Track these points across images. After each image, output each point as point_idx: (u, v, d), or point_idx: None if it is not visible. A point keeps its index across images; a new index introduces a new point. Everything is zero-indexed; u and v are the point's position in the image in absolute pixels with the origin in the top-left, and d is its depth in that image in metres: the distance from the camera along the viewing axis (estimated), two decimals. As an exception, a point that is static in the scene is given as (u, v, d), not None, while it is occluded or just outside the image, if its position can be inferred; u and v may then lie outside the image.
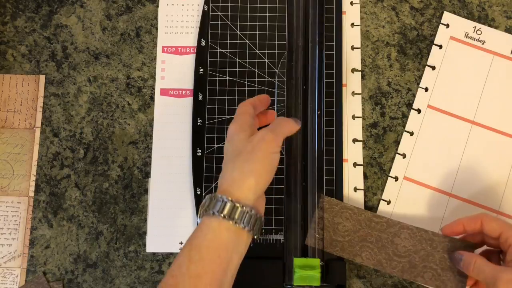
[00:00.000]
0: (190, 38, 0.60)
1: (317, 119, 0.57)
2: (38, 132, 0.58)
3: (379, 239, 0.53)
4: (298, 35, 0.59)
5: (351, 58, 0.59)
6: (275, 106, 0.58)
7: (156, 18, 0.61)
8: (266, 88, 0.58)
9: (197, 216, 0.46)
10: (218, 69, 0.58)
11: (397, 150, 0.58)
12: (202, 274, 0.41)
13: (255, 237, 0.44)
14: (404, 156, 0.57)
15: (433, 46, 0.59)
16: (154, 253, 0.56)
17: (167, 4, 0.61)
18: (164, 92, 0.59)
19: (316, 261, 0.53)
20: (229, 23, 0.59)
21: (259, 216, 0.44)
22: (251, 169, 0.44)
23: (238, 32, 0.59)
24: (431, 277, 0.51)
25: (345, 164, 0.57)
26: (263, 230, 0.55)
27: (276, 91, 0.58)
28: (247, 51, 0.59)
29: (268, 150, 0.45)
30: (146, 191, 0.57)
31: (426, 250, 0.51)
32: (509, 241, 0.46)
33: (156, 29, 0.60)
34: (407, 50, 0.60)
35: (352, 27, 0.60)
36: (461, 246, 0.51)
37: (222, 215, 0.42)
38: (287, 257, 0.54)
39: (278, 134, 0.46)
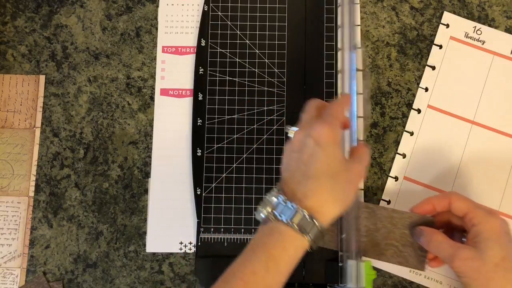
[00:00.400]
0: (190, 38, 0.60)
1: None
2: (38, 132, 0.58)
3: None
4: (298, 35, 0.59)
5: (351, 58, 0.59)
6: (275, 106, 0.58)
7: (156, 18, 0.61)
8: (266, 88, 0.58)
9: (257, 212, 0.44)
10: (218, 69, 0.59)
11: (397, 150, 0.57)
12: (273, 285, 0.42)
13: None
14: (404, 156, 0.57)
15: (433, 46, 0.59)
16: (154, 253, 0.56)
17: (167, 4, 0.61)
18: (164, 92, 0.59)
19: (370, 262, 0.52)
20: (229, 23, 0.59)
21: (325, 233, 0.44)
22: (344, 200, 0.44)
23: (238, 32, 0.59)
24: (393, 254, 0.51)
25: (345, 164, 0.57)
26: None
27: (276, 91, 0.58)
28: (247, 51, 0.59)
29: (358, 186, 0.47)
30: (146, 191, 0.57)
31: (387, 228, 0.52)
32: (473, 221, 0.46)
33: (156, 29, 0.60)
34: (407, 50, 0.60)
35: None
36: (420, 221, 0.51)
37: (307, 236, 0.42)
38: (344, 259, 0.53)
39: (365, 166, 0.46)
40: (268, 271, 0.41)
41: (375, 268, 0.55)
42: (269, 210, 0.43)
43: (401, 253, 0.51)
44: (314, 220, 0.42)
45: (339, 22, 0.59)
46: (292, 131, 0.46)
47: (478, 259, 0.44)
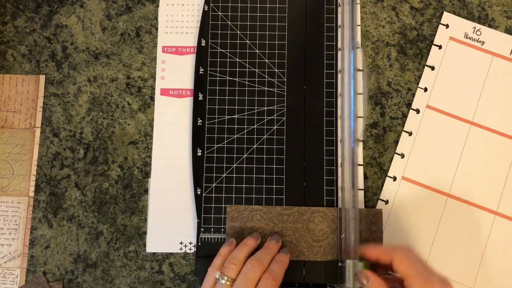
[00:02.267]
0: (190, 38, 0.60)
1: (317, 119, 0.57)
2: (38, 132, 0.58)
3: (295, 230, 0.54)
4: (298, 35, 0.59)
5: (351, 58, 0.59)
6: (275, 106, 0.58)
7: (156, 18, 0.61)
8: (266, 88, 0.58)
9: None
10: (218, 69, 0.59)
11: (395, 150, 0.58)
12: None
13: None
14: (402, 156, 0.57)
15: (433, 47, 0.59)
16: (154, 253, 0.56)
17: (167, 4, 0.61)
18: (164, 92, 0.59)
19: (368, 263, 0.52)
20: (229, 23, 0.59)
21: None
22: None
23: (238, 32, 0.59)
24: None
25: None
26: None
27: (276, 91, 0.58)
28: (247, 51, 0.59)
29: None
30: (146, 191, 0.57)
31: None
32: (399, 271, 0.45)
33: (156, 29, 0.60)
34: (407, 50, 0.60)
35: (352, 27, 0.60)
36: (370, 214, 0.53)
37: None
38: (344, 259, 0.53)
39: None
40: None
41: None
42: None
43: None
44: None
45: (339, 22, 0.59)
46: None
47: None
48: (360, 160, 0.57)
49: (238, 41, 0.59)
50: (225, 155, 0.57)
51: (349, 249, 0.52)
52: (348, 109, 0.55)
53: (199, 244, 0.55)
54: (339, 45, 0.58)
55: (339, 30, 0.58)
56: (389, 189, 0.57)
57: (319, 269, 0.54)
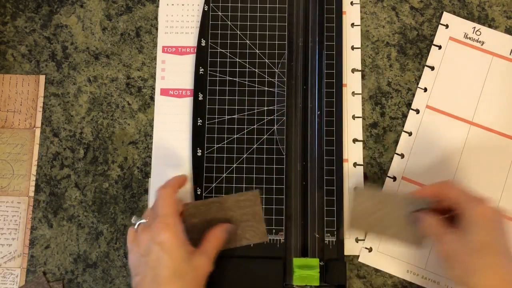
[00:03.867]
0: (190, 38, 0.60)
1: (317, 119, 0.57)
2: (38, 132, 0.58)
3: (254, 214, 0.54)
4: (298, 35, 0.59)
5: (351, 58, 0.59)
6: (275, 106, 0.58)
7: (156, 18, 0.61)
8: (266, 88, 0.58)
9: None
10: (218, 69, 0.59)
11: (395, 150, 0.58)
12: None
13: None
14: (402, 156, 0.57)
15: (432, 47, 0.59)
16: (154, 253, 0.56)
17: (167, 4, 0.61)
18: (164, 92, 0.59)
19: (315, 261, 0.53)
20: (229, 23, 0.59)
21: None
22: None
23: (238, 32, 0.59)
24: (392, 234, 0.52)
25: (345, 164, 0.57)
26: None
27: (276, 91, 0.58)
28: (247, 51, 0.59)
29: (206, 276, 0.48)
30: (146, 191, 0.57)
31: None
32: (462, 206, 0.46)
33: (156, 29, 0.60)
34: (407, 50, 0.60)
35: (352, 27, 0.60)
36: (416, 203, 0.51)
37: None
38: (287, 257, 0.54)
39: (212, 256, 0.49)
40: None
41: (376, 270, 0.55)
42: None
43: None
44: None
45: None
46: (138, 223, 0.49)
47: (460, 242, 0.45)
48: (359, 160, 0.57)
49: (238, 41, 0.59)
50: (225, 155, 0.57)
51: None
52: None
53: (199, 244, 0.55)
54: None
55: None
56: (389, 189, 0.57)
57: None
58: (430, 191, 0.50)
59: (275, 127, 0.57)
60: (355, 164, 0.57)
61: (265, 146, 0.57)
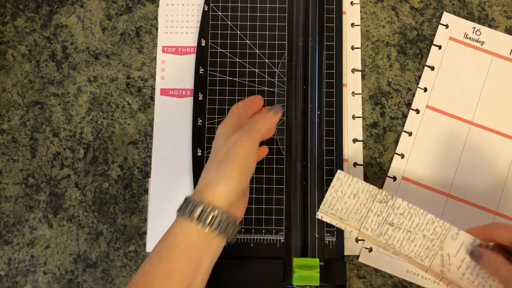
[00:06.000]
0: (190, 38, 0.60)
1: (317, 119, 0.57)
2: None
3: None
4: (298, 35, 0.59)
5: (351, 58, 0.59)
6: (275, 106, 0.58)
7: (156, 18, 0.61)
8: (266, 88, 0.58)
9: None
10: (218, 69, 0.59)
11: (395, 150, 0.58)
12: (171, 273, 0.42)
13: (228, 240, 0.45)
14: (402, 156, 0.57)
15: (432, 47, 0.59)
16: (154, 253, 0.56)
17: (167, 4, 0.61)
18: (164, 92, 0.59)
19: (316, 261, 0.53)
20: (229, 23, 0.59)
21: (232, 220, 0.44)
22: (223, 174, 0.44)
23: (238, 32, 0.59)
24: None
25: (345, 164, 0.57)
26: (263, 230, 0.55)
27: (276, 91, 0.58)
28: (247, 51, 0.59)
29: (242, 153, 0.45)
30: (146, 191, 0.57)
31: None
32: None
33: (156, 29, 0.60)
34: (407, 50, 0.60)
35: (352, 27, 0.60)
36: None
37: (192, 217, 0.43)
38: (287, 257, 0.54)
39: (253, 135, 0.47)
40: (161, 260, 0.42)
41: (376, 270, 0.55)
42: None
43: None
44: (195, 200, 0.43)
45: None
46: None
47: None
48: (359, 160, 0.57)
49: (238, 41, 0.59)
50: (225, 155, 0.57)
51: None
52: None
53: (199, 244, 0.55)
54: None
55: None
56: (389, 189, 0.57)
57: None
58: (478, 234, 0.48)
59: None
60: (355, 164, 0.57)
61: (265, 146, 0.57)
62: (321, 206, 0.52)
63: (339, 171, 0.52)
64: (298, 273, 0.52)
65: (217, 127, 0.57)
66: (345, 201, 0.51)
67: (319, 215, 0.52)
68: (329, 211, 0.52)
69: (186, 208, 0.43)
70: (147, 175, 0.58)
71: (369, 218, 0.51)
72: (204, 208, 0.43)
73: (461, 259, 0.48)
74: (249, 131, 0.47)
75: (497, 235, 0.46)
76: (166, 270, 0.42)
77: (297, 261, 0.53)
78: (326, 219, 0.52)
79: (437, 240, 0.49)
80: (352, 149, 0.57)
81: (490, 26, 0.60)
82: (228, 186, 0.44)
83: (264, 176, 0.56)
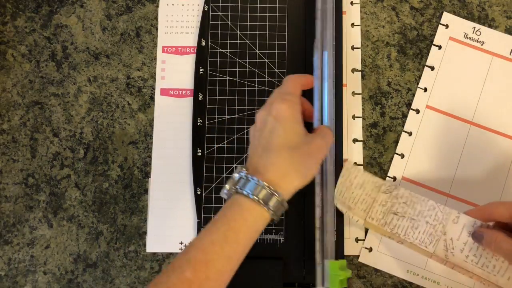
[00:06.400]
0: (190, 38, 0.60)
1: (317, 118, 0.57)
2: None
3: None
4: (298, 35, 0.59)
5: (351, 58, 0.59)
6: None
7: (156, 18, 0.61)
8: (266, 88, 0.58)
9: (222, 191, 0.46)
10: (218, 69, 0.59)
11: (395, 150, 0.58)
12: (233, 256, 0.43)
13: (276, 221, 0.46)
14: (402, 156, 0.57)
15: (432, 47, 0.59)
16: (154, 253, 0.56)
17: (167, 4, 0.61)
18: (164, 92, 0.59)
19: (344, 262, 0.51)
20: (229, 23, 0.59)
21: (286, 204, 0.45)
22: (305, 173, 0.46)
23: (238, 32, 0.59)
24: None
25: (345, 164, 0.57)
26: (263, 230, 0.55)
27: (276, 91, 0.58)
28: (247, 51, 0.59)
29: (320, 161, 0.48)
30: (146, 191, 0.57)
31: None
32: None
33: (156, 29, 0.60)
34: (407, 50, 0.60)
35: (352, 27, 0.60)
36: None
37: (267, 206, 0.43)
38: (288, 258, 0.54)
39: (329, 141, 0.49)
40: (226, 242, 0.42)
41: (376, 270, 0.55)
42: (231, 185, 0.45)
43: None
44: (273, 191, 0.43)
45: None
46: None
47: None
48: (359, 160, 0.57)
49: (238, 41, 0.59)
50: (225, 155, 0.57)
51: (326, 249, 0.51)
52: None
53: (199, 244, 0.55)
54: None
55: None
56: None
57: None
58: (477, 215, 0.49)
59: (275, 127, 0.57)
60: (355, 164, 0.57)
61: (265, 146, 0.57)
62: (335, 194, 0.52)
63: (348, 161, 0.53)
64: (341, 276, 0.49)
65: (217, 127, 0.57)
66: (352, 191, 0.52)
67: (335, 201, 0.52)
68: (340, 199, 0.53)
69: (266, 197, 0.43)
70: (147, 175, 0.58)
71: (374, 208, 0.52)
72: (280, 200, 0.44)
73: (463, 242, 0.48)
74: (327, 141, 0.49)
75: (496, 213, 0.47)
76: (230, 253, 0.42)
77: (335, 264, 0.50)
78: (339, 207, 0.52)
79: (439, 226, 0.50)
80: (352, 149, 0.57)
81: (490, 26, 0.60)
82: (302, 184, 0.46)
83: (264, 176, 0.56)
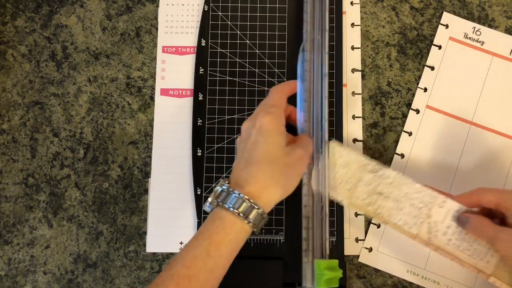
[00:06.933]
0: (190, 38, 0.60)
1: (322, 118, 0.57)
2: None
3: None
4: (298, 35, 0.59)
5: (351, 58, 0.59)
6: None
7: (156, 18, 0.61)
8: (266, 88, 0.58)
9: (205, 204, 0.47)
10: (218, 69, 0.59)
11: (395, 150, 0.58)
12: (215, 269, 0.43)
13: (257, 233, 0.46)
14: (402, 156, 0.57)
15: (432, 47, 0.59)
16: (154, 253, 0.56)
17: (167, 4, 0.61)
18: (164, 92, 0.59)
19: (335, 262, 0.51)
20: (229, 23, 0.59)
21: (266, 216, 0.46)
22: (285, 184, 0.47)
23: (238, 32, 0.59)
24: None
25: (345, 164, 0.57)
26: (263, 230, 0.55)
27: (276, 91, 0.58)
28: (247, 51, 0.59)
29: (302, 171, 0.49)
30: (146, 191, 0.57)
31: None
32: (506, 205, 0.46)
33: (156, 29, 0.60)
34: (407, 50, 0.60)
35: (352, 27, 0.60)
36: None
37: (247, 219, 0.44)
38: (290, 258, 0.54)
39: (310, 150, 0.50)
40: (209, 256, 0.43)
41: (376, 270, 0.55)
42: (213, 199, 0.45)
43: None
44: (253, 204, 0.44)
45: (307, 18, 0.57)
46: None
47: None
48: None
49: (238, 41, 0.59)
50: (225, 155, 0.57)
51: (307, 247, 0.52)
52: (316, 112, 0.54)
53: (199, 244, 0.55)
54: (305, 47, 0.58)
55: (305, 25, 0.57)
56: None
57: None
58: (465, 201, 0.49)
59: (275, 127, 0.57)
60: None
61: (265, 146, 0.57)
62: (313, 173, 0.52)
63: (332, 140, 0.53)
64: (327, 275, 0.49)
65: (217, 127, 0.57)
66: (336, 171, 0.52)
67: (312, 184, 0.52)
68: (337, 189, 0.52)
69: (246, 210, 0.44)
70: (147, 175, 0.58)
71: (359, 187, 0.51)
72: (260, 213, 0.45)
73: (447, 225, 0.49)
74: (307, 151, 0.49)
75: (484, 199, 0.47)
76: (213, 267, 0.43)
77: (323, 263, 0.50)
78: (315, 187, 0.52)
79: (424, 208, 0.50)
80: (352, 149, 0.57)
81: (490, 26, 0.60)
82: (281, 196, 0.47)
83: (264, 176, 0.56)
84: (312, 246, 0.52)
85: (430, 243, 0.50)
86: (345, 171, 0.52)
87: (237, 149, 0.49)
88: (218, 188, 0.46)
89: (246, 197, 0.44)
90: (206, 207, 0.47)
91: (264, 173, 0.46)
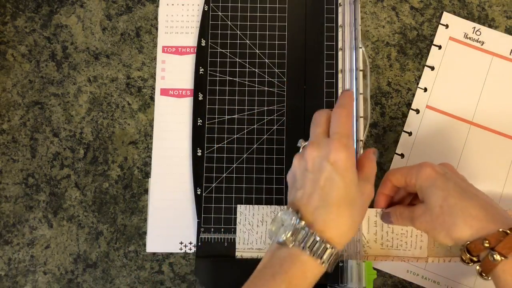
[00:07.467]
0: (190, 38, 0.60)
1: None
2: None
3: None
4: (298, 35, 0.59)
5: (351, 58, 0.59)
6: (275, 106, 0.58)
7: (156, 18, 0.61)
8: (266, 88, 0.58)
9: (272, 232, 0.44)
10: (218, 69, 0.59)
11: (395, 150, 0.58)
12: None
13: (330, 271, 0.44)
14: (402, 156, 0.57)
15: (432, 47, 0.59)
16: (154, 253, 0.56)
17: (167, 4, 0.61)
18: (164, 92, 0.59)
19: (370, 263, 0.52)
20: (229, 23, 0.59)
21: (339, 253, 0.44)
22: (359, 224, 0.47)
23: (238, 32, 0.59)
24: None
25: (345, 164, 0.57)
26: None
27: (276, 91, 0.58)
28: (247, 51, 0.59)
29: (369, 203, 0.47)
30: (146, 191, 0.57)
31: None
32: (411, 181, 0.48)
33: (156, 29, 0.60)
34: (407, 50, 0.60)
35: (352, 27, 0.60)
36: None
37: (321, 260, 0.42)
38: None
39: (373, 181, 0.48)
40: None
41: (374, 269, 0.55)
42: (290, 235, 0.42)
43: None
44: (335, 251, 0.42)
45: (339, 22, 0.59)
46: (305, 145, 0.46)
47: (426, 211, 0.46)
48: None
49: (238, 41, 0.59)
50: (225, 155, 0.57)
51: (352, 248, 0.52)
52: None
53: (199, 244, 0.55)
54: (339, 45, 0.58)
55: (340, 29, 0.58)
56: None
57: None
58: (382, 190, 0.52)
59: (275, 127, 0.57)
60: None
61: (265, 146, 0.57)
62: (237, 246, 0.54)
63: (238, 205, 0.55)
64: (374, 275, 0.50)
65: (217, 127, 0.57)
66: (256, 231, 0.54)
67: (238, 255, 0.54)
68: (246, 247, 0.54)
69: (329, 257, 0.42)
70: (147, 175, 0.58)
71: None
72: (338, 256, 0.43)
73: (373, 232, 0.52)
74: (373, 185, 0.47)
75: (394, 180, 0.50)
76: None
77: (370, 264, 0.51)
78: (247, 255, 0.54)
79: None
80: (352, 149, 0.57)
81: (490, 26, 0.60)
82: (353, 233, 0.45)
83: (264, 176, 0.56)
84: (350, 247, 0.52)
85: (368, 256, 0.52)
86: (264, 227, 0.54)
87: (301, 176, 0.45)
88: (292, 222, 0.42)
89: (329, 245, 0.42)
90: (280, 239, 0.43)
91: (345, 218, 0.43)
